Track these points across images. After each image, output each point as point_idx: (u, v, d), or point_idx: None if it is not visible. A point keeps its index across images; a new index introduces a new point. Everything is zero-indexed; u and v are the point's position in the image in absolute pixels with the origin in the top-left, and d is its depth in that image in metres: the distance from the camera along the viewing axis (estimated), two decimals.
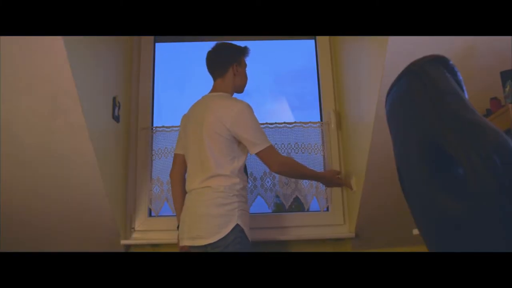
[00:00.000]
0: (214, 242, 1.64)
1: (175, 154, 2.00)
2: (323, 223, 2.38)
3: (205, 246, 1.67)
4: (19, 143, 1.79)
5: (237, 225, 1.66)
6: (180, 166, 1.95)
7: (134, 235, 2.32)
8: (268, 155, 1.79)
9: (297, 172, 1.95)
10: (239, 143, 1.79)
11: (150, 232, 2.32)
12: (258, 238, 2.24)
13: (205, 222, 1.69)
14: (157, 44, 2.62)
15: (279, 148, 2.41)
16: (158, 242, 2.27)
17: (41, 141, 1.80)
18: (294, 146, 2.42)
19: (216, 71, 1.96)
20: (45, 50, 1.53)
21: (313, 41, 2.65)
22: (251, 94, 2.32)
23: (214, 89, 1.95)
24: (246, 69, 2.02)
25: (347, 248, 2.33)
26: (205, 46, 2.03)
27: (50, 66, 1.58)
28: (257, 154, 1.78)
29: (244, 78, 2.01)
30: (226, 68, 1.94)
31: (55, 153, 1.83)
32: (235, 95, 1.98)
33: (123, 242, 2.23)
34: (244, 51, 2.00)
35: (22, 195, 1.97)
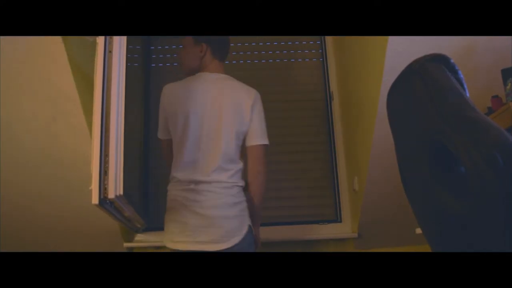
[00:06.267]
0: (231, 247, 1.50)
1: (162, 140, 1.74)
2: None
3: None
4: (20, 146, 1.79)
5: (249, 226, 1.57)
6: (170, 152, 1.70)
7: (137, 237, 2.32)
8: (263, 153, 1.65)
9: (263, 190, 1.68)
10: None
11: (152, 234, 2.32)
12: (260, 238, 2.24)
13: (218, 225, 1.52)
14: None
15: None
16: (161, 244, 2.26)
17: (43, 144, 1.80)
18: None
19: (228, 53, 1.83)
20: (45, 53, 1.54)
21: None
22: None
23: (222, 71, 1.76)
24: None
25: (350, 248, 2.33)
26: None
27: (51, 69, 1.58)
28: (253, 146, 1.63)
29: None
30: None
31: (56, 156, 1.83)
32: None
33: (126, 244, 2.24)
34: None
35: (24, 198, 1.97)
